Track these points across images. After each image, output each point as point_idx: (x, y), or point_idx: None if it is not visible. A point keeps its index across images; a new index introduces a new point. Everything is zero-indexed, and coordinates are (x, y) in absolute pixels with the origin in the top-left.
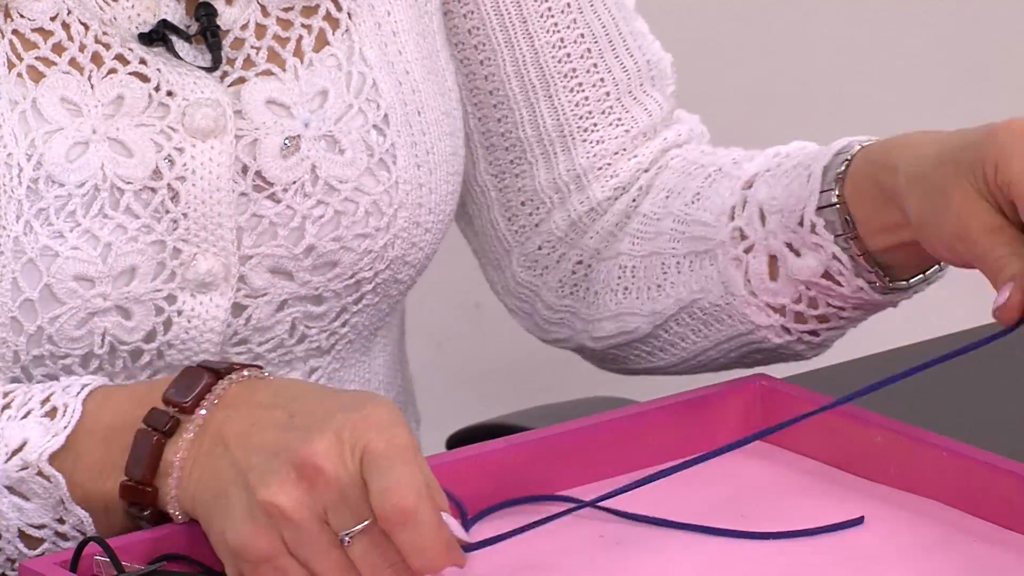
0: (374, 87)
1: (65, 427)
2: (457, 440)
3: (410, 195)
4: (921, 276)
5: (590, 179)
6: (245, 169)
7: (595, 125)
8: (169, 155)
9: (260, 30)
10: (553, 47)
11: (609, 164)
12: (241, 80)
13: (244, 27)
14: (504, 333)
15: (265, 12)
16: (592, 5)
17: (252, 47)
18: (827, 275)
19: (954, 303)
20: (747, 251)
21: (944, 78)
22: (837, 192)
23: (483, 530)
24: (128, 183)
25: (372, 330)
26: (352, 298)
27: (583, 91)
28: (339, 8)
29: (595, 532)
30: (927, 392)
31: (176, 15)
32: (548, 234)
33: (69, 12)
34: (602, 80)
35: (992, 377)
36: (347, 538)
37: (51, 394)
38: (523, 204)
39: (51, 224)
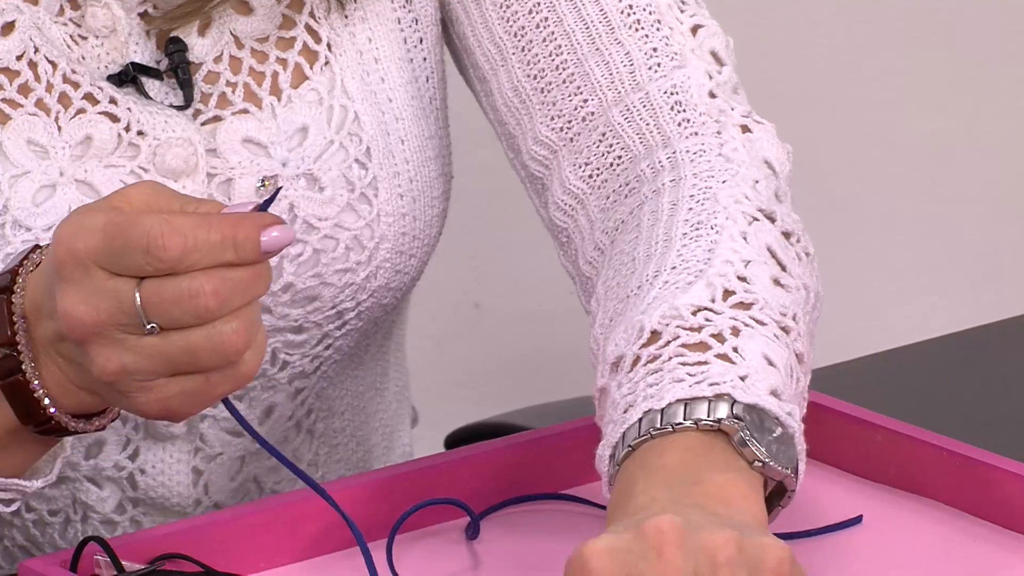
0: (356, 120)
1: None
2: (456, 440)
3: (392, 226)
4: None
5: (560, 157)
6: None
7: (549, 85)
8: None
9: (235, 63)
10: (497, 6)
11: (573, 137)
12: (217, 119)
13: (218, 60)
14: (503, 333)
15: (239, 44)
16: None
17: (228, 83)
18: None
19: (954, 303)
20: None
21: (944, 78)
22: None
23: (483, 530)
24: None
25: (361, 347)
26: (334, 325)
27: (532, 48)
28: (318, 40)
29: (595, 532)
30: (927, 392)
31: (146, 52)
32: (550, 219)
33: (36, 50)
34: (552, 33)
35: (992, 377)
36: (150, 324)
37: None
38: (530, 179)
39: None
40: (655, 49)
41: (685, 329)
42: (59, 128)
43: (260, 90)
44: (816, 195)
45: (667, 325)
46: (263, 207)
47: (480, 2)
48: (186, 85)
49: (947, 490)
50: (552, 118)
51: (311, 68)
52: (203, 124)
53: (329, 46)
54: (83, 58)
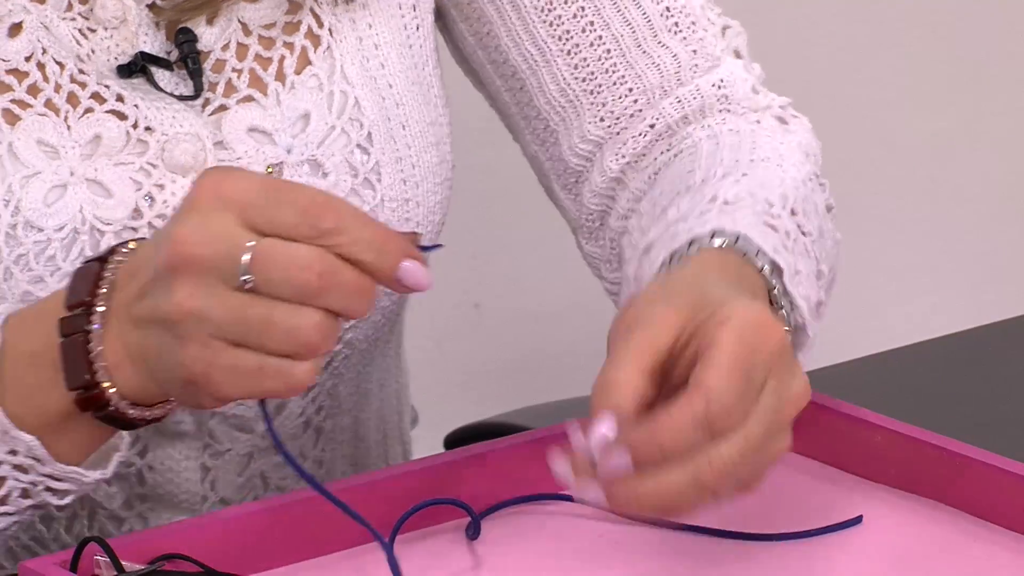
0: (356, 106)
1: None
2: (455, 440)
3: (396, 211)
4: None
5: (604, 149)
6: None
7: (600, 87)
8: (149, 193)
9: (241, 50)
10: (540, 11)
11: (620, 131)
12: (222, 108)
13: (225, 47)
14: (503, 333)
15: (247, 31)
16: None
17: (234, 70)
18: None
19: (954, 303)
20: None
21: (944, 78)
22: None
23: (484, 531)
24: (108, 224)
25: (370, 342)
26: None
27: (580, 52)
28: (320, 24)
29: (595, 532)
30: (927, 392)
31: (156, 42)
32: (584, 207)
33: (44, 51)
34: (600, 38)
35: (992, 377)
36: (247, 276)
37: None
38: (565, 172)
39: (31, 270)
40: (695, 51)
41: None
42: (68, 128)
43: (265, 75)
44: None
45: (740, 199)
46: (423, 248)
47: (518, 5)
48: (196, 75)
49: (947, 490)
50: (601, 118)
51: (314, 52)
52: (210, 114)
53: (331, 31)
54: (92, 52)
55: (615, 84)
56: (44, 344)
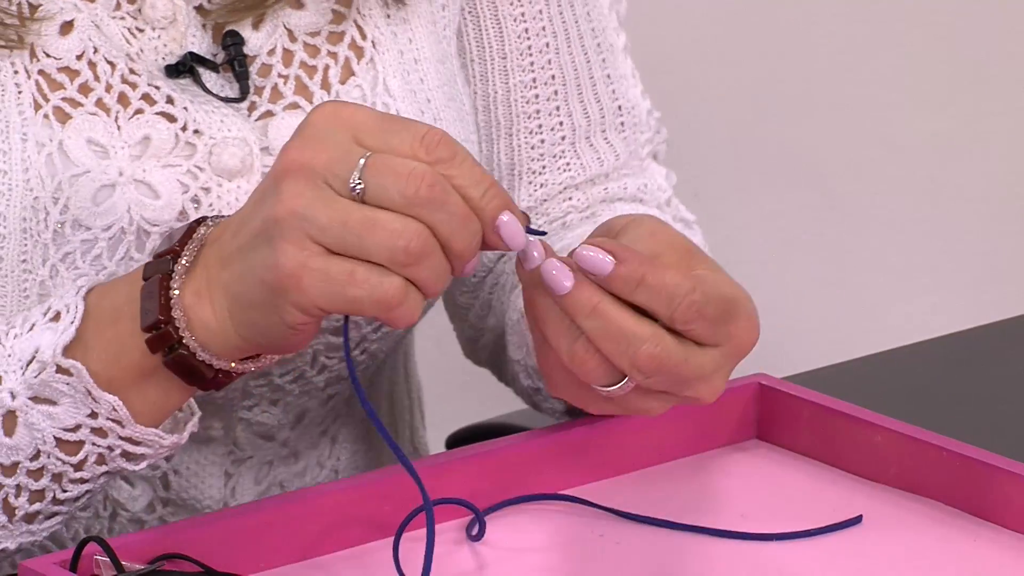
0: None
1: (72, 322)
2: (457, 440)
3: None
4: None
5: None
6: None
7: (544, 168)
8: (195, 195)
9: (287, 56)
10: (525, 87)
11: (544, 203)
12: (269, 114)
13: (271, 52)
14: None
15: (292, 37)
16: (570, 47)
17: (280, 75)
18: None
19: (954, 303)
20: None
21: (944, 78)
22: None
23: (487, 530)
24: (154, 225)
25: (388, 354)
26: (371, 327)
27: (541, 133)
28: (364, 36)
29: (595, 532)
30: (927, 392)
31: (203, 44)
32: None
33: (96, 50)
34: (561, 124)
35: (992, 377)
36: (357, 181)
37: (51, 303)
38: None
39: (77, 268)
40: (632, 151)
41: None
42: (118, 128)
43: (311, 83)
44: (816, 195)
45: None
46: (529, 230)
47: (507, 71)
48: (243, 78)
49: (947, 490)
50: (531, 192)
51: (358, 63)
52: (256, 120)
53: (374, 44)
54: (141, 51)
55: (559, 169)
56: (126, 298)
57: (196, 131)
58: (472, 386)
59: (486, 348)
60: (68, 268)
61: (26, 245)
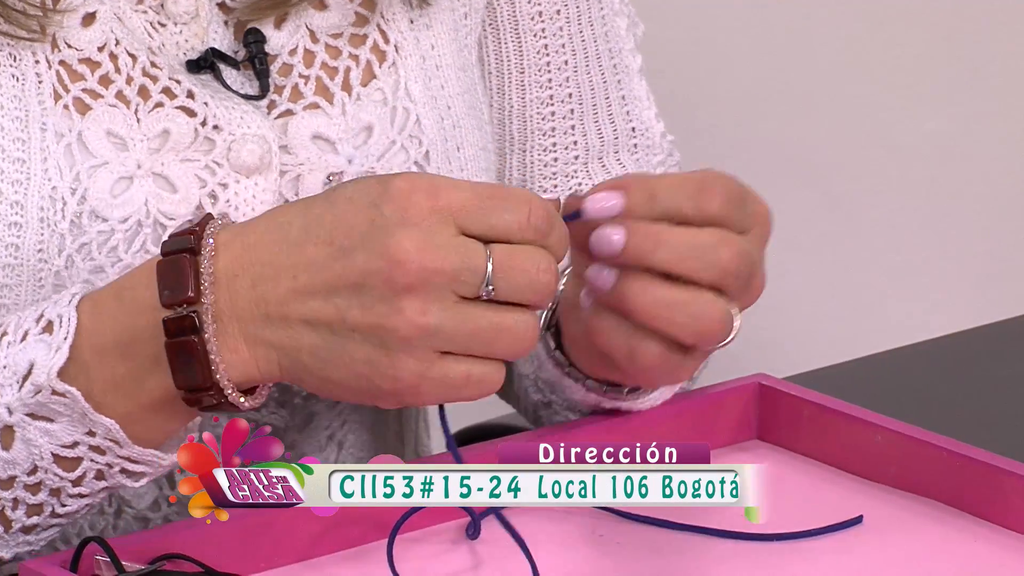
0: (417, 123)
1: (65, 338)
2: (457, 440)
3: None
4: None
5: None
6: None
7: (555, 186)
8: (213, 191)
9: (308, 57)
10: (541, 103)
11: None
12: (288, 112)
13: (292, 52)
14: None
15: (314, 38)
16: (588, 66)
17: (300, 75)
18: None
19: (954, 303)
20: None
21: (944, 78)
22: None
23: (484, 530)
24: (171, 219)
25: None
26: None
27: (555, 151)
28: (387, 40)
29: (595, 532)
30: (927, 392)
31: (224, 40)
32: None
33: (117, 42)
34: (575, 143)
35: (992, 377)
36: (489, 288)
37: (43, 310)
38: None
39: (93, 259)
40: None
41: None
42: (138, 120)
43: (332, 84)
44: (816, 195)
45: None
46: (567, 216)
47: (524, 86)
48: (263, 75)
49: (947, 490)
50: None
51: (380, 67)
52: (276, 118)
53: (396, 48)
54: (163, 45)
55: (570, 188)
56: (131, 336)
57: (215, 127)
58: None
59: None
60: (84, 259)
61: (43, 234)
